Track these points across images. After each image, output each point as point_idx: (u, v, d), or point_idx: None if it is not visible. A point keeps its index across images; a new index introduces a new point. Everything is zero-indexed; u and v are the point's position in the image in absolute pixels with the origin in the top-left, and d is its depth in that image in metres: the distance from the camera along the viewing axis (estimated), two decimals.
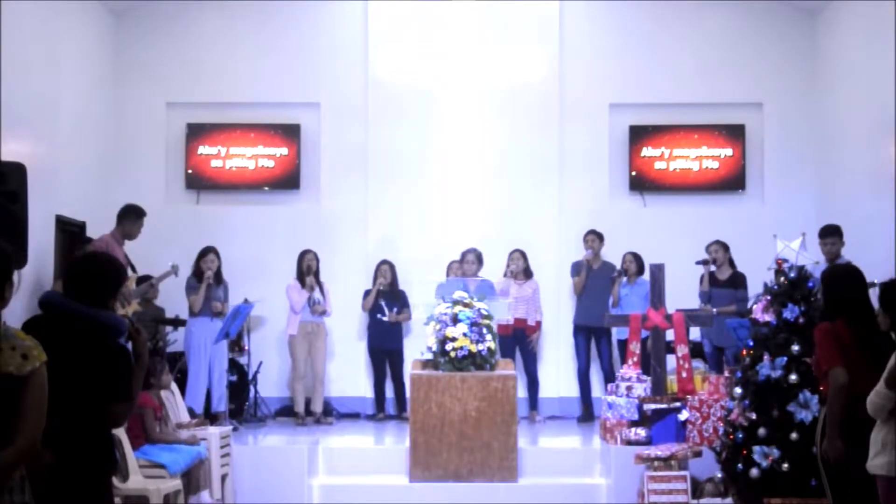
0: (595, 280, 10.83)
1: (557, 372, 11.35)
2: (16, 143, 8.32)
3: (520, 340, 10.83)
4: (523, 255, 10.95)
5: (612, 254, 11.02)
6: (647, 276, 9.92)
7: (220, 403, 9.85)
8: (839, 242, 8.90)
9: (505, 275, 10.79)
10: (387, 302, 10.95)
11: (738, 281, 10.12)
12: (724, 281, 10.18)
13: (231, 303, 10.22)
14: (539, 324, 10.97)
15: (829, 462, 5.30)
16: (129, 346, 4.32)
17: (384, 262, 11.11)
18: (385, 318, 10.89)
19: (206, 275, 10.02)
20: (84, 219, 10.45)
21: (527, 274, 10.94)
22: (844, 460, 5.20)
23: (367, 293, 11.10)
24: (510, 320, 10.55)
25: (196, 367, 9.89)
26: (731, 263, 10.26)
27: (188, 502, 7.58)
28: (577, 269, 10.95)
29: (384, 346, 10.99)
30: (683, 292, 10.20)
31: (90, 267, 4.32)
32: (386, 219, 11.66)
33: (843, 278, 5.60)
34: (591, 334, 10.81)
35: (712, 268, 10.23)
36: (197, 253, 10.25)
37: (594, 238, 10.94)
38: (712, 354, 10.21)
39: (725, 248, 10.26)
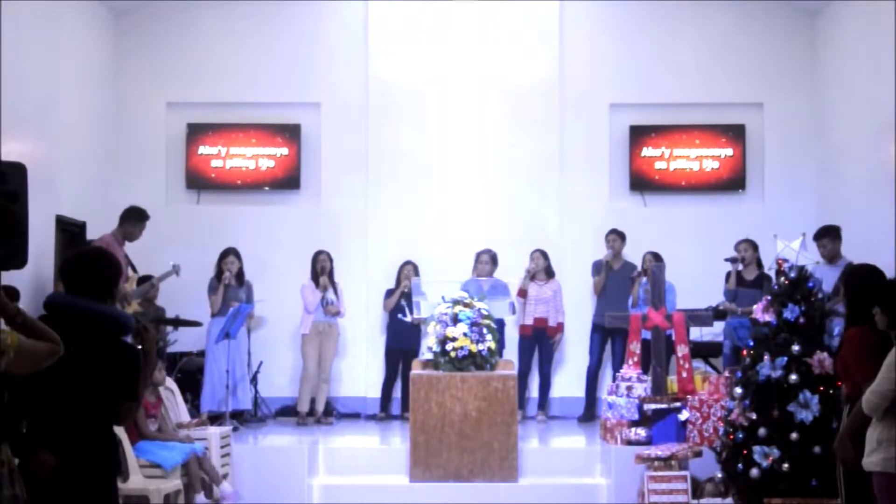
0: (615, 280, 10.79)
1: (562, 372, 11.35)
2: (16, 143, 8.33)
3: (539, 340, 10.82)
4: (544, 254, 10.93)
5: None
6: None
7: (245, 401, 9.96)
8: (832, 243, 8.86)
9: (525, 276, 10.77)
10: (408, 303, 10.92)
11: (763, 282, 9.89)
12: (750, 281, 9.92)
13: (254, 303, 10.33)
14: (561, 325, 10.93)
15: (855, 464, 5.24)
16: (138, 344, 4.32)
17: (408, 262, 11.09)
18: (407, 319, 10.87)
19: (224, 275, 10.08)
20: (84, 219, 10.45)
21: (548, 273, 10.92)
22: (853, 465, 5.17)
23: (389, 293, 11.10)
24: (518, 320, 10.55)
25: (213, 366, 9.96)
26: (759, 264, 10.01)
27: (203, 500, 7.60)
28: (597, 268, 10.92)
29: (402, 346, 10.96)
30: (684, 292, 10.20)
31: (86, 262, 4.32)
32: (386, 219, 11.65)
33: (867, 281, 5.45)
34: (607, 334, 10.76)
35: (740, 266, 10.09)
36: (214, 254, 10.40)
37: (615, 237, 10.89)
38: (730, 354, 10.09)
39: (755, 247, 9.96)
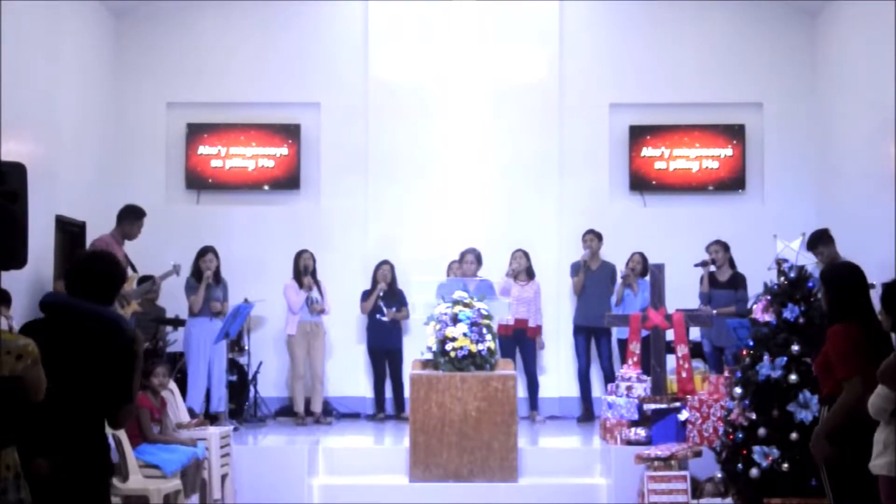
0: (594, 280, 10.82)
1: (558, 372, 11.35)
2: (16, 143, 8.33)
3: (520, 340, 10.81)
4: (526, 254, 10.92)
5: (612, 254, 11.02)
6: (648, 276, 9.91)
7: (220, 404, 9.84)
8: (827, 247, 8.86)
9: (507, 274, 10.77)
10: (385, 302, 10.94)
11: (737, 282, 10.10)
12: (724, 282, 10.15)
13: (230, 302, 10.22)
14: (540, 327, 10.92)
15: (830, 462, 5.25)
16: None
17: (384, 262, 11.09)
18: (384, 318, 10.88)
19: (204, 275, 10.02)
20: (84, 219, 10.46)
21: (529, 274, 10.92)
22: (828, 463, 5.18)
23: (365, 294, 11.09)
24: (510, 320, 10.55)
25: (195, 367, 9.90)
26: (732, 264, 10.25)
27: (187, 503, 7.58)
28: (575, 269, 10.94)
29: (383, 346, 10.98)
30: (683, 292, 10.20)
31: (95, 265, 4.31)
32: (386, 219, 11.66)
33: (849, 278, 5.41)
34: (590, 334, 10.80)
35: (712, 268, 10.21)
36: (195, 253, 10.26)
37: (592, 238, 10.91)
38: (712, 354, 10.21)
39: (726, 248, 10.23)
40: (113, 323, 4.14)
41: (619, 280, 10.69)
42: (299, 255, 10.66)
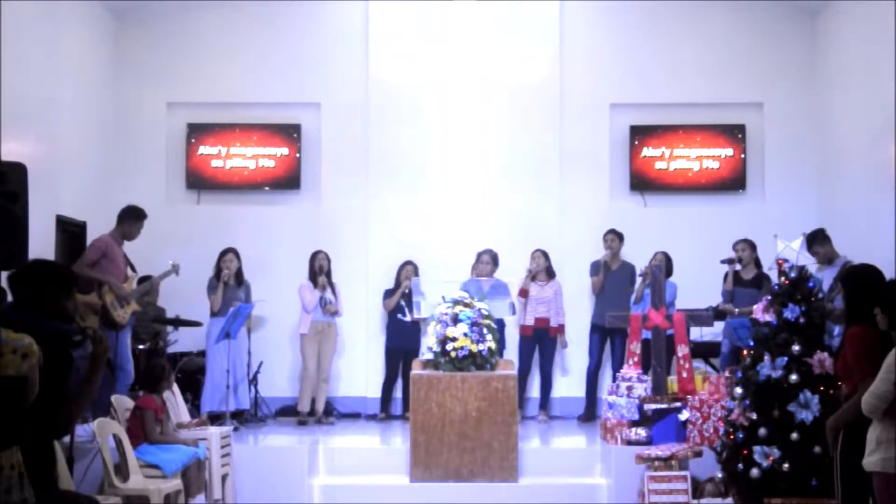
0: (613, 280, 10.80)
1: (561, 372, 11.34)
2: (16, 143, 8.33)
3: (540, 340, 10.80)
4: (545, 254, 10.91)
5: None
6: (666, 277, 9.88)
7: (244, 401, 9.96)
8: (823, 247, 8.83)
9: (526, 274, 10.76)
10: (407, 303, 10.93)
11: (762, 282, 9.93)
12: (748, 281, 9.98)
13: (254, 303, 10.34)
14: (562, 326, 10.91)
15: (844, 462, 5.25)
16: (82, 351, 4.28)
17: (408, 262, 11.10)
18: (406, 319, 10.86)
19: (223, 273, 10.08)
20: (84, 219, 10.45)
21: (549, 274, 10.90)
22: (840, 458, 5.21)
23: (388, 293, 11.10)
24: (524, 321, 10.57)
25: (213, 366, 9.95)
26: (757, 263, 10.05)
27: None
28: (595, 268, 10.92)
29: (402, 346, 10.96)
30: (684, 292, 10.20)
31: (31, 276, 4.26)
32: (386, 219, 11.65)
33: (867, 280, 5.42)
34: (606, 334, 10.77)
35: (737, 267, 10.12)
36: (214, 254, 10.39)
37: (613, 237, 10.89)
38: (729, 354, 10.12)
39: (753, 247, 10.02)
40: (49, 336, 4.04)
41: (639, 278, 10.65)
42: (314, 255, 10.70)
